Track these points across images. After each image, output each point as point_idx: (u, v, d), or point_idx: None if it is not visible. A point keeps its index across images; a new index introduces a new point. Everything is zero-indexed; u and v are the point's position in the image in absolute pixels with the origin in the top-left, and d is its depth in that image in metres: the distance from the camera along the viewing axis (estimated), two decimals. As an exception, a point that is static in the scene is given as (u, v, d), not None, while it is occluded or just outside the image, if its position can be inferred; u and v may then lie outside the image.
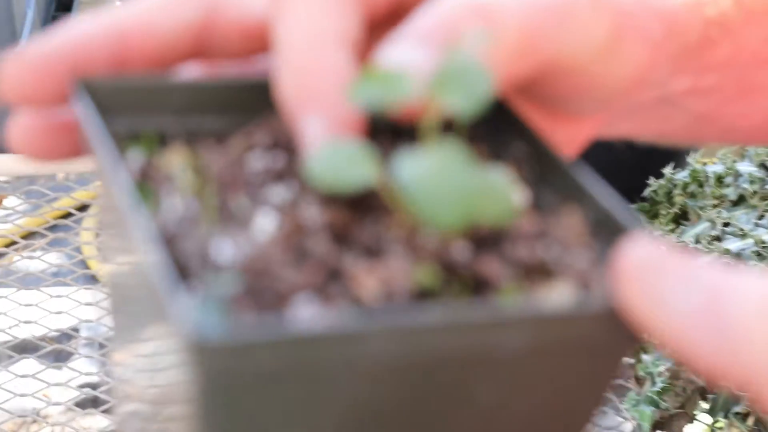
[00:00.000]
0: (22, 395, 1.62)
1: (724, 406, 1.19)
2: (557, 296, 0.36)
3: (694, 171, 1.33)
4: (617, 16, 0.44)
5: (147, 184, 0.40)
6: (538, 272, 0.37)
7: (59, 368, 1.74)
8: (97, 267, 1.92)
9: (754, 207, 1.27)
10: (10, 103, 0.43)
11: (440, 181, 0.35)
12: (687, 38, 0.48)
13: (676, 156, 1.43)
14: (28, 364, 1.71)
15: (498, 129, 0.43)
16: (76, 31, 0.43)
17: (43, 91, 0.43)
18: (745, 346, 0.32)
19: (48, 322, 1.78)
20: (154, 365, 0.37)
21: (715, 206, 1.28)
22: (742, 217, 1.27)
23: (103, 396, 1.47)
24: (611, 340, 0.35)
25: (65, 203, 2.02)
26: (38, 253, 1.92)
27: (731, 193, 1.29)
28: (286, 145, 0.42)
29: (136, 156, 0.42)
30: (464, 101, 0.37)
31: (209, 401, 0.32)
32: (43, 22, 2.54)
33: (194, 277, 0.36)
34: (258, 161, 0.41)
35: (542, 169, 0.42)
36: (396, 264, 0.36)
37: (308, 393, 0.33)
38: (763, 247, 1.19)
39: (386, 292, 0.35)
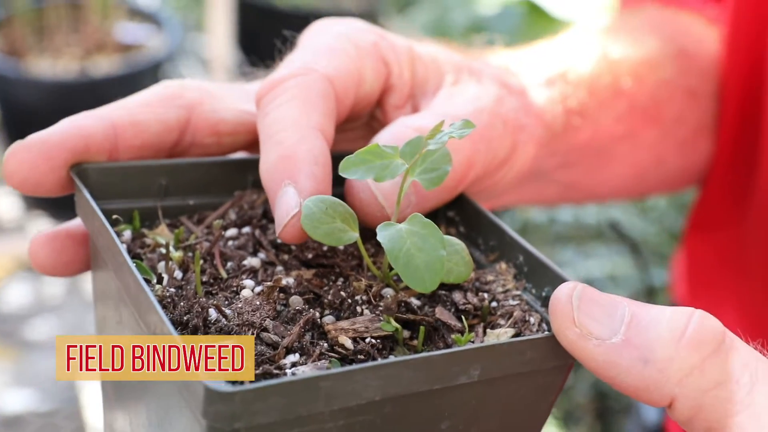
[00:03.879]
0: None
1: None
2: (502, 333, 0.43)
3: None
4: (515, 131, 0.55)
5: (140, 259, 0.45)
6: (483, 316, 0.44)
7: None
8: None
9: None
10: (13, 187, 0.46)
11: (422, 248, 0.40)
12: (555, 128, 0.60)
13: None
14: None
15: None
16: (73, 123, 0.47)
17: (42, 175, 0.46)
18: (665, 372, 0.39)
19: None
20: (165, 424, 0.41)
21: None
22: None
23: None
24: (548, 366, 0.41)
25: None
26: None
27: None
28: (254, 221, 0.48)
29: (127, 233, 0.46)
30: (430, 179, 0.43)
31: None
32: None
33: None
34: (233, 236, 0.47)
35: (476, 230, 0.49)
36: (364, 319, 0.42)
37: None
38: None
39: (359, 343, 0.41)
